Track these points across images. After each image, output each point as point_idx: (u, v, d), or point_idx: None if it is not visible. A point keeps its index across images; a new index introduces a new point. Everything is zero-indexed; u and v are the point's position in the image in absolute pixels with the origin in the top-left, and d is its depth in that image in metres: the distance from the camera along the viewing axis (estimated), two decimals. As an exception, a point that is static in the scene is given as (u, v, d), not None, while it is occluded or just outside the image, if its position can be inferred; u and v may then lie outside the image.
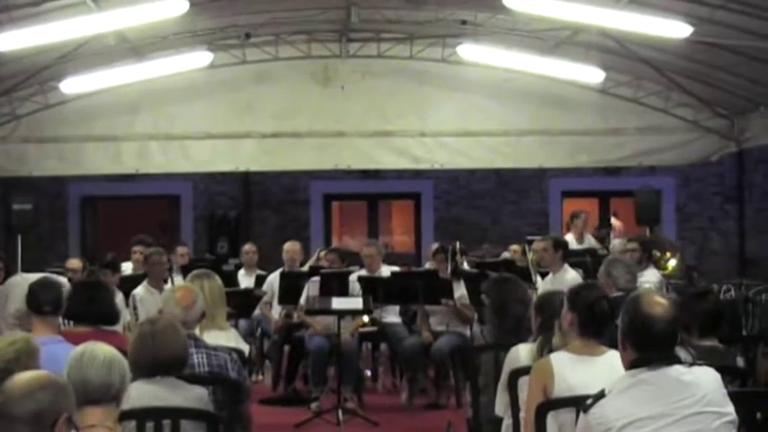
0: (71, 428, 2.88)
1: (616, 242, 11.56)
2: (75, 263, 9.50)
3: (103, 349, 3.35)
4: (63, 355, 3.47)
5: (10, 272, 8.29)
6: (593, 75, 12.75)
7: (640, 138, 13.66)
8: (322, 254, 11.00)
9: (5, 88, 12.44)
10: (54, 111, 13.29)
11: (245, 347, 5.86)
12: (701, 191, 14.53)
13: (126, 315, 7.62)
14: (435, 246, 10.24)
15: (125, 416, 3.68)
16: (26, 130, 13.32)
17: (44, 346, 3.93)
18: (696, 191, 14.55)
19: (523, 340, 4.90)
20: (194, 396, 4.13)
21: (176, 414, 3.96)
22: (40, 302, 5.11)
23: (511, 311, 5.44)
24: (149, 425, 3.87)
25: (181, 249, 10.98)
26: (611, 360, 3.61)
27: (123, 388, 3.31)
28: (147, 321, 4.51)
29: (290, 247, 10.42)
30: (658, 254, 10.17)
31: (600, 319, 4.08)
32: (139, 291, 8.27)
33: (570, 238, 11.26)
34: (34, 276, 6.22)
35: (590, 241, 11.73)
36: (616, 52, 11.79)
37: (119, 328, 6.00)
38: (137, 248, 9.85)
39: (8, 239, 12.73)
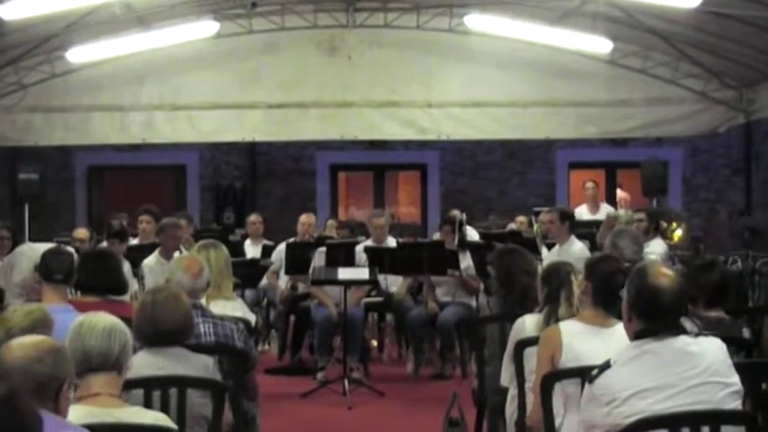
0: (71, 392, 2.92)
1: (621, 213, 11.52)
2: (82, 233, 9.53)
3: (103, 318, 3.36)
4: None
5: (17, 241, 8.30)
6: (600, 45, 12.66)
7: (648, 109, 13.58)
8: (330, 222, 11.00)
9: (12, 57, 12.41)
10: (60, 80, 13.26)
11: (252, 317, 5.88)
12: (709, 162, 14.47)
13: (134, 284, 7.64)
14: (455, 213, 10.09)
15: (132, 384, 3.70)
16: (33, 100, 13.30)
17: (54, 314, 3.94)
18: (703, 162, 14.49)
19: (529, 311, 4.91)
20: (200, 365, 4.14)
21: (183, 383, 3.97)
22: (52, 270, 5.12)
23: (517, 282, 5.45)
24: (156, 394, 3.89)
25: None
26: (621, 332, 3.61)
27: (124, 356, 3.33)
28: (150, 291, 4.53)
29: (306, 220, 10.40)
30: (665, 225, 10.14)
31: (613, 291, 4.08)
32: (150, 260, 8.26)
33: (584, 209, 11.18)
34: (42, 246, 6.22)
35: (607, 210, 11.63)
36: (624, 22, 11.70)
37: (127, 297, 6.02)
38: (143, 218, 9.85)
39: (15, 209, 12.75)
